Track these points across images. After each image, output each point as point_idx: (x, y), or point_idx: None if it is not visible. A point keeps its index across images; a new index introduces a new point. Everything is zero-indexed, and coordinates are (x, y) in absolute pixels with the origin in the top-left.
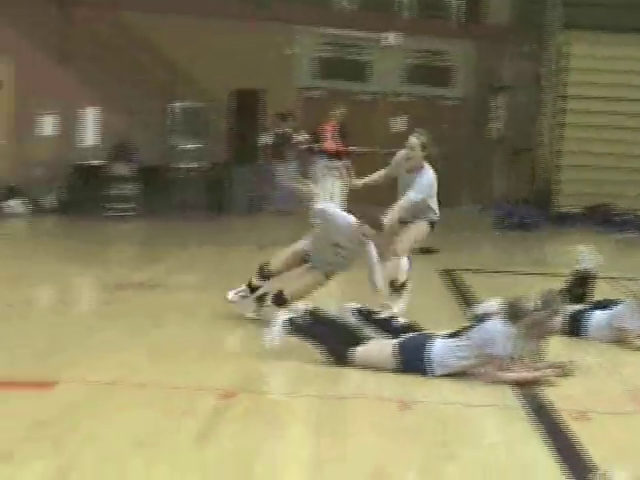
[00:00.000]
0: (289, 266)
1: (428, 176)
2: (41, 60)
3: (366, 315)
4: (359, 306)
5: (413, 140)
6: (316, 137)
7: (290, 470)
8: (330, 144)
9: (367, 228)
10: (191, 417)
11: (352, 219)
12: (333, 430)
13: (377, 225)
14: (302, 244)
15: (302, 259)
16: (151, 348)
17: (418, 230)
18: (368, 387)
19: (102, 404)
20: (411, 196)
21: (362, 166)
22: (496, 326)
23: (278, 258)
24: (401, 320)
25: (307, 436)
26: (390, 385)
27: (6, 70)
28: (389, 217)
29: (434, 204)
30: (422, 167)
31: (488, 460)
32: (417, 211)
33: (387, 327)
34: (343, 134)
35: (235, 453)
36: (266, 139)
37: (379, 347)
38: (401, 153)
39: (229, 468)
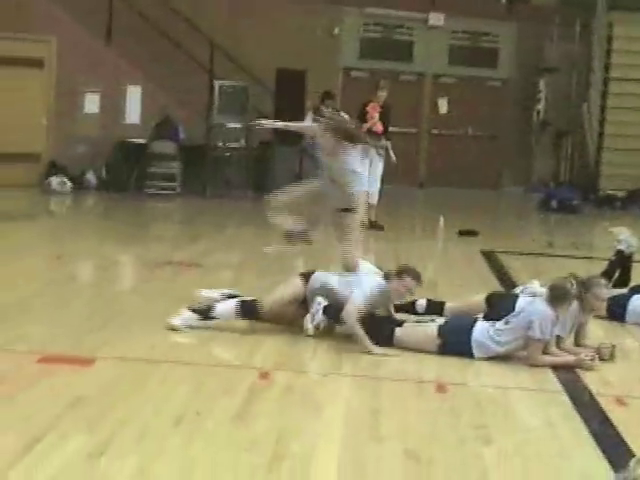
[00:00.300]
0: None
1: (357, 163)
2: (83, 38)
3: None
4: None
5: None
6: (362, 117)
7: (326, 450)
8: (377, 124)
9: (410, 281)
10: (229, 396)
11: (379, 281)
12: (370, 411)
13: (417, 277)
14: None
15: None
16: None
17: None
18: (407, 369)
19: (140, 381)
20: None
21: (406, 146)
22: (538, 308)
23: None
24: (422, 301)
25: (343, 416)
26: (429, 367)
27: (47, 49)
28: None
29: None
30: (342, 151)
31: (526, 444)
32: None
33: (413, 310)
34: (386, 114)
35: (272, 432)
36: (309, 119)
37: (421, 328)
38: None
39: (265, 447)
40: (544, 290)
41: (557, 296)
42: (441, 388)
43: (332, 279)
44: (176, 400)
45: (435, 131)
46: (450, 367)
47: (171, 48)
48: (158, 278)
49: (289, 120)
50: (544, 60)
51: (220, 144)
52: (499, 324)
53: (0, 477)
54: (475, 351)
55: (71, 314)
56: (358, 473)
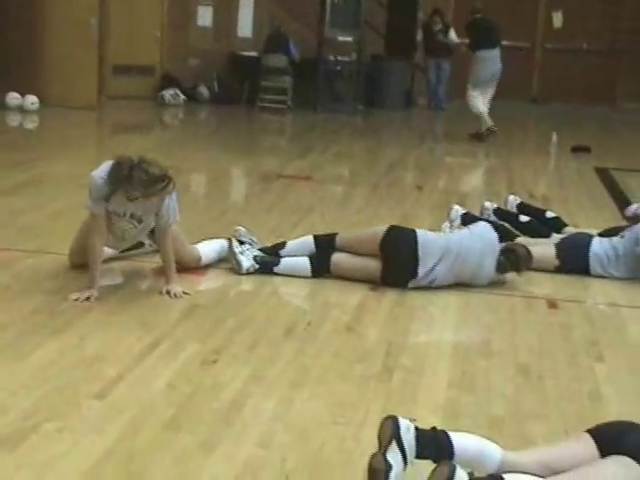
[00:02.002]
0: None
1: None
2: None
3: None
4: None
5: None
6: None
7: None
8: None
9: None
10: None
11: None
12: (482, 327)
13: None
14: None
15: None
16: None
17: None
18: (517, 285)
19: (252, 293)
20: None
21: (519, 61)
22: None
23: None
24: None
25: (454, 331)
26: (538, 285)
27: None
28: None
29: None
30: None
31: (638, 361)
32: None
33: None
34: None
35: (382, 343)
36: (420, 35)
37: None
38: None
39: (375, 359)
40: None
41: None
42: (553, 304)
43: None
44: (288, 310)
45: (549, 45)
46: (563, 284)
47: None
48: (271, 191)
49: (402, 33)
50: None
51: (331, 58)
52: (615, 241)
53: (120, 377)
54: (594, 267)
55: (184, 224)
56: (468, 384)
